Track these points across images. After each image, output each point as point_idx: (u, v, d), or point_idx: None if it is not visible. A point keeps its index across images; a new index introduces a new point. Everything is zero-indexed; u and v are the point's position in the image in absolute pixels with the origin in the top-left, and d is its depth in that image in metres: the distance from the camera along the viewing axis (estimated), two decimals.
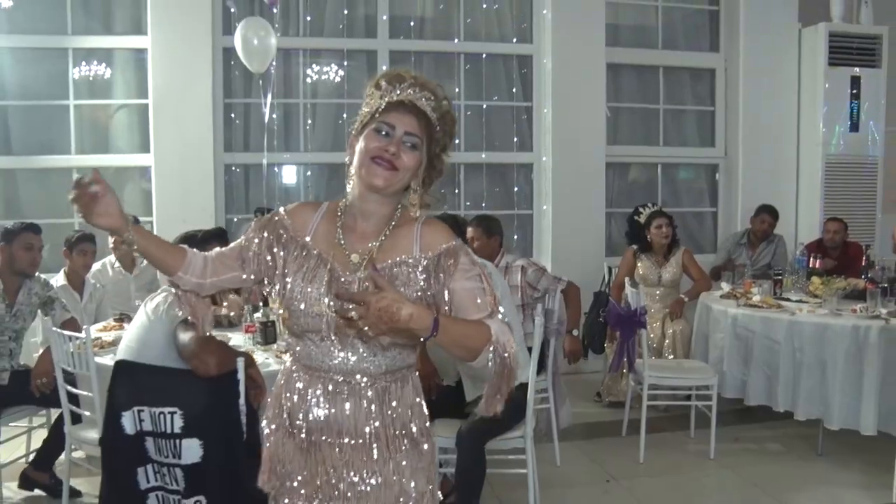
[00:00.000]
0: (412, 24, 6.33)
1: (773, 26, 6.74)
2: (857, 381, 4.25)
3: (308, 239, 1.85)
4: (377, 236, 1.84)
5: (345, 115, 6.11)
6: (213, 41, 5.78)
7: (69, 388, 3.47)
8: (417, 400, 1.93)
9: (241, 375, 2.66)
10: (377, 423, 1.84)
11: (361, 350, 1.81)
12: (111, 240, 5.06)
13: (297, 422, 1.86)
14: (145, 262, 5.23)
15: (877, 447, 4.30)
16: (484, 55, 6.49)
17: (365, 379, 1.83)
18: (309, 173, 6.09)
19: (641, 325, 4.64)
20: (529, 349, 3.77)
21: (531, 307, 4.39)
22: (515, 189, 6.70)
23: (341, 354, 1.81)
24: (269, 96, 5.40)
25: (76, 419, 3.59)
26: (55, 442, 3.77)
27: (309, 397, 1.85)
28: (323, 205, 1.92)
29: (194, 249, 1.92)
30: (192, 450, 2.60)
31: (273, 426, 1.92)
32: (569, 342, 4.61)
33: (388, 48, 6.20)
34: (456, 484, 3.37)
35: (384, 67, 6.15)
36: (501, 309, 1.82)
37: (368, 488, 1.84)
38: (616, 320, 4.79)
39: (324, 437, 1.85)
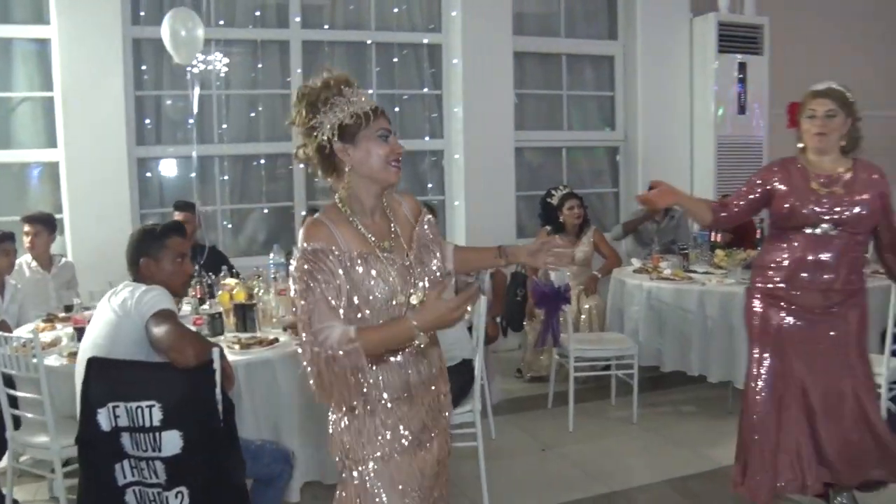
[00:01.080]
0: (324, 14, 6.35)
1: (666, 16, 7.13)
2: None
3: (345, 249, 1.98)
4: (387, 222, 2.10)
5: (260, 108, 6.11)
6: (122, 32, 5.64)
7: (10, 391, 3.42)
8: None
9: (216, 365, 2.72)
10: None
11: None
12: (26, 239, 4.93)
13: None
14: (63, 260, 5.16)
15: None
16: (396, 45, 6.59)
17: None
18: (226, 164, 6.05)
19: (566, 301, 4.89)
20: (469, 329, 3.96)
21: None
22: (428, 176, 6.85)
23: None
24: (197, 88, 5.35)
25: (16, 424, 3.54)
26: None
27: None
28: (322, 217, 2.05)
29: (346, 325, 1.93)
30: (172, 441, 2.63)
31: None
32: (490, 328, 4.82)
33: (301, 38, 6.21)
34: None
35: (298, 58, 6.17)
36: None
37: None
38: (541, 298, 5.01)
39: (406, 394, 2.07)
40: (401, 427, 2.05)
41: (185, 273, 3.07)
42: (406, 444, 2.06)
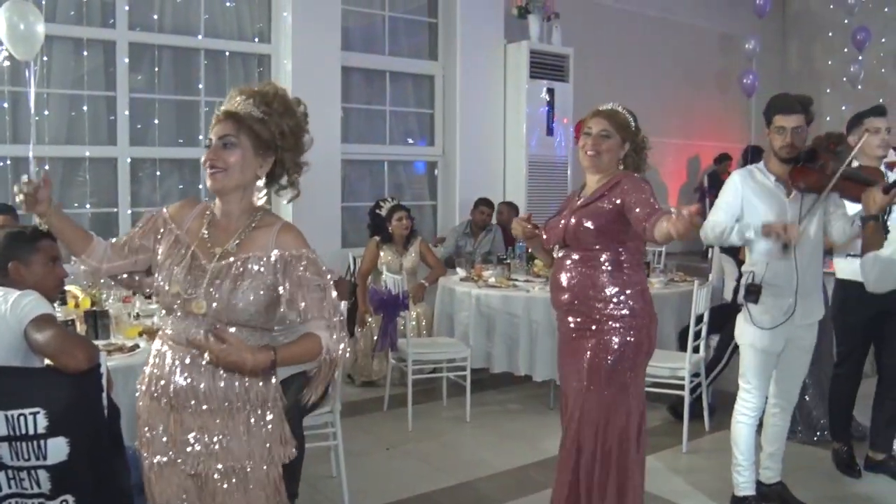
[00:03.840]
0: (154, 16, 6.21)
1: (483, 41, 7.61)
2: None
3: (180, 232, 2.20)
4: (238, 233, 2.16)
5: (84, 108, 5.87)
6: None
7: None
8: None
9: (104, 369, 2.70)
10: (228, 392, 2.16)
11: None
12: None
13: (159, 388, 2.19)
14: None
15: None
16: (227, 53, 6.57)
17: None
18: (48, 167, 5.75)
19: (405, 307, 5.17)
20: None
21: None
22: None
23: (197, 331, 2.09)
24: (33, 85, 5.06)
25: None
26: None
27: (174, 366, 2.17)
28: (200, 204, 2.26)
29: (99, 237, 2.25)
30: (58, 449, 2.57)
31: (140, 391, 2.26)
32: None
33: (128, 39, 6.04)
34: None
35: (125, 60, 6.00)
36: (336, 317, 2.15)
37: (217, 447, 2.17)
38: (379, 304, 5.25)
39: (183, 403, 2.16)
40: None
41: (58, 277, 3.00)
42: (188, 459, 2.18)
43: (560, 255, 3.15)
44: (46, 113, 5.72)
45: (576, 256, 3.06)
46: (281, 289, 2.10)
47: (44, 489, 2.59)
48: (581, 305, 3.04)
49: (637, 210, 2.86)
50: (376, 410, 5.39)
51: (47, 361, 2.66)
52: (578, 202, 3.10)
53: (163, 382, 2.18)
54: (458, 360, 5.24)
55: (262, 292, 2.11)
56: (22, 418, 2.56)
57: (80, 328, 3.80)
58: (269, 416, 2.26)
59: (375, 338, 5.56)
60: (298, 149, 2.29)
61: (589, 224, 3.00)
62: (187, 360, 2.15)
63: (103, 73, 6.02)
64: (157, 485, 2.25)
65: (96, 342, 3.62)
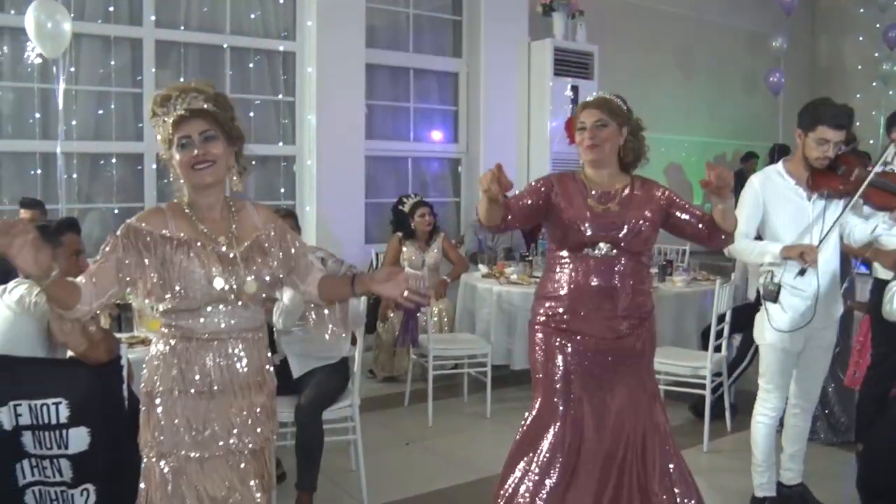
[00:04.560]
0: (181, 15, 6.28)
1: (507, 39, 7.60)
2: None
3: (168, 233, 2.21)
4: (228, 223, 2.30)
5: (112, 105, 5.95)
6: None
7: None
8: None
9: (124, 361, 2.75)
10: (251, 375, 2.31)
11: (239, 310, 2.26)
12: None
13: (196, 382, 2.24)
14: None
15: None
16: (252, 50, 6.63)
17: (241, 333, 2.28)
18: (75, 162, 5.83)
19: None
20: None
21: None
22: (280, 180, 6.92)
23: (223, 316, 2.24)
24: (61, 82, 5.14)
25: None
26: None
27: (212, 358, 2.25)
28: (162, 207, 2.30)
29: (80, 278, 2.15)
30: (79, 438, 2.64)
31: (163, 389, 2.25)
32: None
33: (155, 37, 6.11)
34: (298, 455, 3.63)
35: (151, 57, 6.07)
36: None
37: (248, 428, 2.30)
38: None
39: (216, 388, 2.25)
40: (201, 423, 2.24)
41: (82, 270, 3.03)
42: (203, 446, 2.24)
43: (596, 256, 2.81)
44: (74, 109, 5.79)
45: (625, 258, 2.83)
46: (292, 249, 2.39)
47: (66, 477, 2.65)
48: (633, 309, 2.87)
49: (689, 210, 2.93)
50: (397, 406, 5.41)
51: (70, 353, 2.71)
52: (609, 199, 2.86)
53: (198, 377, 2.24)
54: (479, 357, 5.25)
55: (275, 263, 2.33)
56: (45, 408, 2.62)
57: (105, 321, 3.85)
58: (273, 394, 2.42)
59: (397, 333, 5.59)
60: (243, 140, 2.34)
61: (648, 225, 2.85)
62: (226, 350, 2.26)
63: (130, 71, 6.09)
64: (204, 481, 2.24)
65: (119, 335, 3.68)
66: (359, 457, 3.90)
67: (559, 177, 2.96)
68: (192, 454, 2.22)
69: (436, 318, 5.96)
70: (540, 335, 2.92)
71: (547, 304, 2.91)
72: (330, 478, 4.01)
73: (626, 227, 2.81)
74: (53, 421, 2.62)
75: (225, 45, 6.49)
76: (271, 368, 2.41)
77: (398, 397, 5.49)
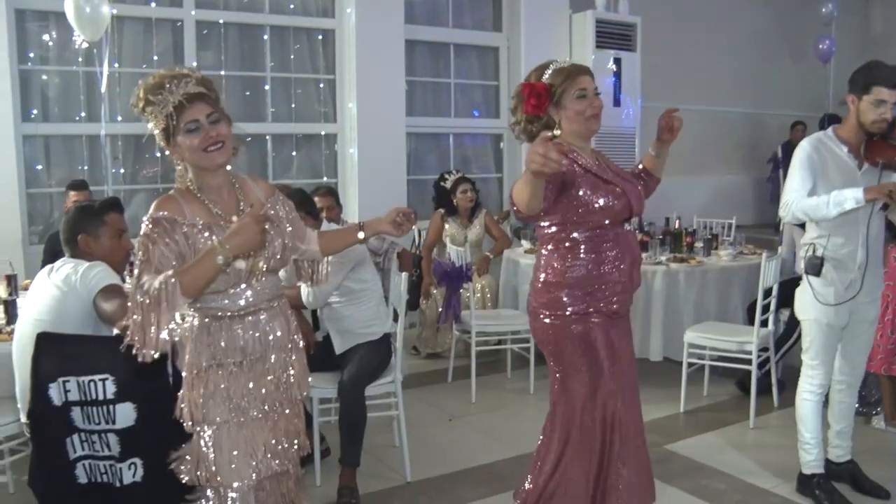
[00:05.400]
0: None
1: (548, 11, 7.50)
2: (646, 317, 5.08)
3: (187, 220, 2.24)
4: (236, 201, 2.35)
5: None
6: (5, 2, 5.40)
7: None
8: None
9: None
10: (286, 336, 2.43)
11: (263, 282, 2.34)
12: None
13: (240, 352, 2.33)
14: None
15: (662, 370, 5.20)
16: (292, 28, 6.64)
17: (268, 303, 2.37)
18: (120, 143, 5.92)
19: (468, 278, 5.19)
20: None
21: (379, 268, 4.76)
22: (322, 159, 6.95)
23: (249, 291, 2.31)
24: (105, 65, 5.21)
25: None
26: None
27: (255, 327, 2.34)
28: (174, 195, 2.30)
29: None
30: (126, 414, 2.70)
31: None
32: None
33: (195, 18, 6.15)
34: (341, 431, 3.65)
35: (192, 38, 6.12)
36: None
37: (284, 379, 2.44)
38: (443, 276, 5.28)
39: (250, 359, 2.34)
40: (240, 393, 2.32)
41: (124, 249, 3.10)
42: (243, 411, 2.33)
43: (620, 229, 2.69)
44: (118, 92, 5.87)
45: (629, 228, 2.80)
46: (293, 214, 2.49)
47: (113, 452, 2.71)
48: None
49: None
50: (440, 382, 5.43)
51: (115, 331, 2.75)
52: (613, 170, 2.72)
53: (232, 350, 2.31)
54: (522, 333, 5.23)
55: (284, 233, 2.40)
56: (92, 384, 2.68)
57: None
58: (302, 354, 2.53)
59: (440, 310, 5.59)
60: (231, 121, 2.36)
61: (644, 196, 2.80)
62: (255, 321, 2.34)
63: (171, 52, 6.15)
64: (243, 442, 2.33)
65: None
66: (402, 432, 3.92)
67: (586, 156, 2.68)
68: (233, 418, 2.31)
69: (479, 295, 5.95)
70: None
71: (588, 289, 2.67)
72: (373, 453, 4.04)
73: (634, 197, 2.69)
74: (101, 397, 2.68)
75: (265, 24, 6.50)
76: (298, 333, 2.51)
77: (442, 373, 5.51)
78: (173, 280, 2.06)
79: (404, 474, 3.87)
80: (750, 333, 4.54)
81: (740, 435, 4.43)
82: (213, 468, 2.29)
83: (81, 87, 5.83)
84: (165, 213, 2.21)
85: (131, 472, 2.74)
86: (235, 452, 2.30)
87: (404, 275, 4.03)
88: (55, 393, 2.69)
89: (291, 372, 2.43)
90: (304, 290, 3.67)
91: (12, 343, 3.05)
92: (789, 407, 3.99)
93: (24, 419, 3.03)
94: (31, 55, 5.75)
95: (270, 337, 2.36)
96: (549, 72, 2.66)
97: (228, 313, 2.30)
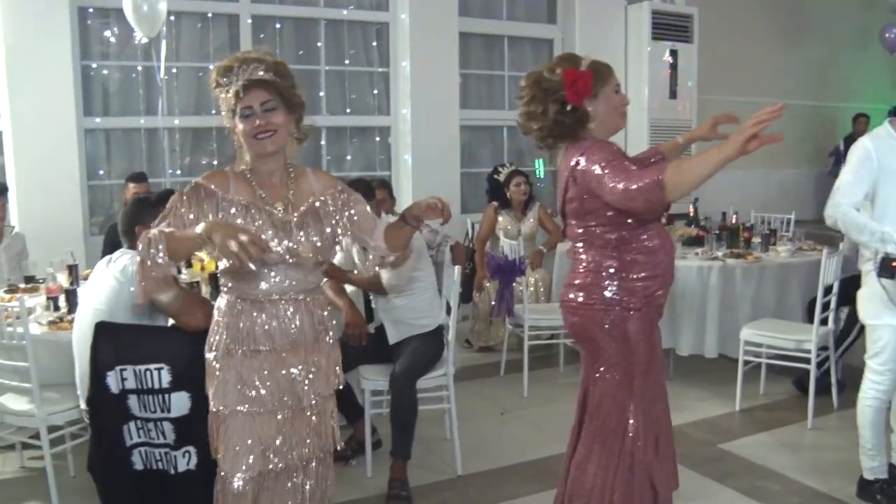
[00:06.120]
0: None
1: (603, 2, 7.44)
2: (701, 314, 4.99)
3: (230, 196, 2.31)
4: (286, 189, 2.39)
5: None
6: (68, 0, 5.54)
7: None
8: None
9: None
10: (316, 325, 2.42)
11: (291, 273, 2.34)
12: None
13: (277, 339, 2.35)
14: (15, 230, 5.09)
15: (717, 367, 5.12)
16: (346, 22, 6.68)
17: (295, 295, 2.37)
18: (178, 136, 6.03)
19: (521, 272, 5.16)
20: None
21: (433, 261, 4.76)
22: (376, 152, 6.98)
23: (276, 278, 2.32)
24: (162, 60, 5.31)
25: None
26: None
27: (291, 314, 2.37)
28: (226, 171, 2.39)
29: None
30: (181, 402, 2.73)
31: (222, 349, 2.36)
32: None
33: (251, 13, 6.23)
34: (393, 423, 3.67)
35: (248, 32, 6.19)
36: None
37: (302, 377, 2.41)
38: (496, 269, 5.27)
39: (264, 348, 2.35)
40: (252, 382, 2.34)
41: None
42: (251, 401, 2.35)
43: (659, 223, 2.71)
44: (176, 86, 5.97)
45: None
46: (347, 213, 2.46)
47: (168, 440, 2.75)
48: None
49: None
50: (493, 375, 5.43)
51: (171, 322, 2.80)
52: (638, 163, 2.66)
53: (249, 336, 2.34)
54: None
55: (328, 230, 2.40)
56: (148, 373, 2.73)
57: (205, 290, 3.99)
58: (330, 354, 2.51)
59: (493, 303, 5.58)
60: (304, 108, 2.41)
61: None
62: (277, 311, 2.35)
63: (228, 47, 6.22)
64: (254, 433, 2.36)
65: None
66: (453, 426, 3.92)
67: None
68: (241, 408, 2.34)
69: (532, 289, 5.91)
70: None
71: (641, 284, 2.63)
72: (424, 446, 4.05)
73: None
74: (156, 385, 2.73)
75: (319, 18, 6.55)
76: (330, 332, 2.48)
77: (494, 367, 5.51)
78: (159, 234, 2.15)
79: (455, 467, 3.88)
80: (809, 331, 4.43)
81: (798, 436, 4.33)
82: (220, 454, 2.37)
83: (140, 82, 5.95)
84: (207, 183, 2.31)
85: (185, 459, 2.78)
86: (237, 445, 2.34)
87: (457, 268, 4.03)
88: (113, 381, 2.74)
89: (313, 370, 2.41)
90: (385, 274, 3.69)
91: (73, 331, 3.13)
92: (850, 408, 3.88)
93: (83, 406, 3.11)
94: (93, 51, 5.88)
95: (292, 328, 2.36)
96: (586, 62, 2.57)
97: (252, 297, 2.33)
